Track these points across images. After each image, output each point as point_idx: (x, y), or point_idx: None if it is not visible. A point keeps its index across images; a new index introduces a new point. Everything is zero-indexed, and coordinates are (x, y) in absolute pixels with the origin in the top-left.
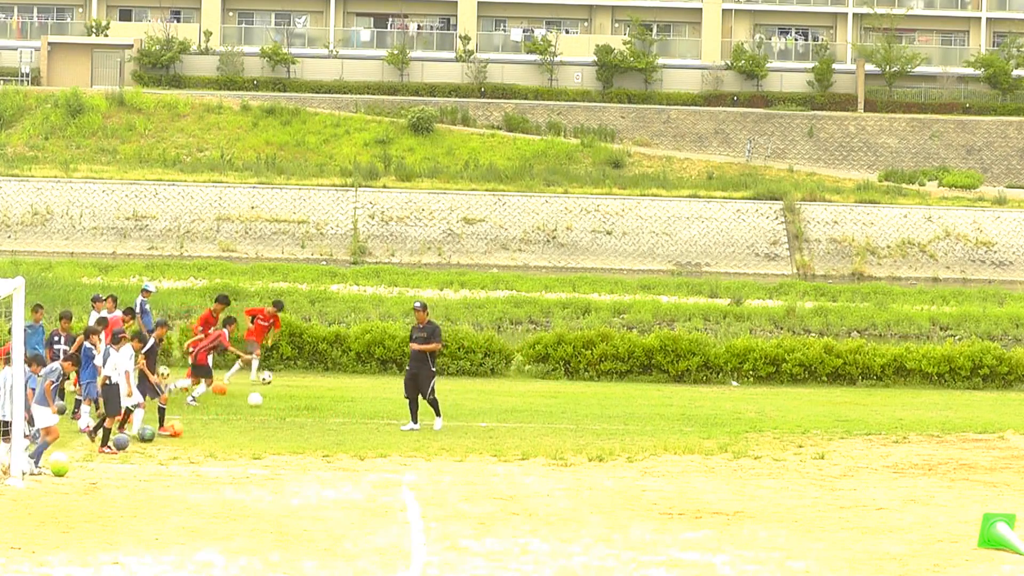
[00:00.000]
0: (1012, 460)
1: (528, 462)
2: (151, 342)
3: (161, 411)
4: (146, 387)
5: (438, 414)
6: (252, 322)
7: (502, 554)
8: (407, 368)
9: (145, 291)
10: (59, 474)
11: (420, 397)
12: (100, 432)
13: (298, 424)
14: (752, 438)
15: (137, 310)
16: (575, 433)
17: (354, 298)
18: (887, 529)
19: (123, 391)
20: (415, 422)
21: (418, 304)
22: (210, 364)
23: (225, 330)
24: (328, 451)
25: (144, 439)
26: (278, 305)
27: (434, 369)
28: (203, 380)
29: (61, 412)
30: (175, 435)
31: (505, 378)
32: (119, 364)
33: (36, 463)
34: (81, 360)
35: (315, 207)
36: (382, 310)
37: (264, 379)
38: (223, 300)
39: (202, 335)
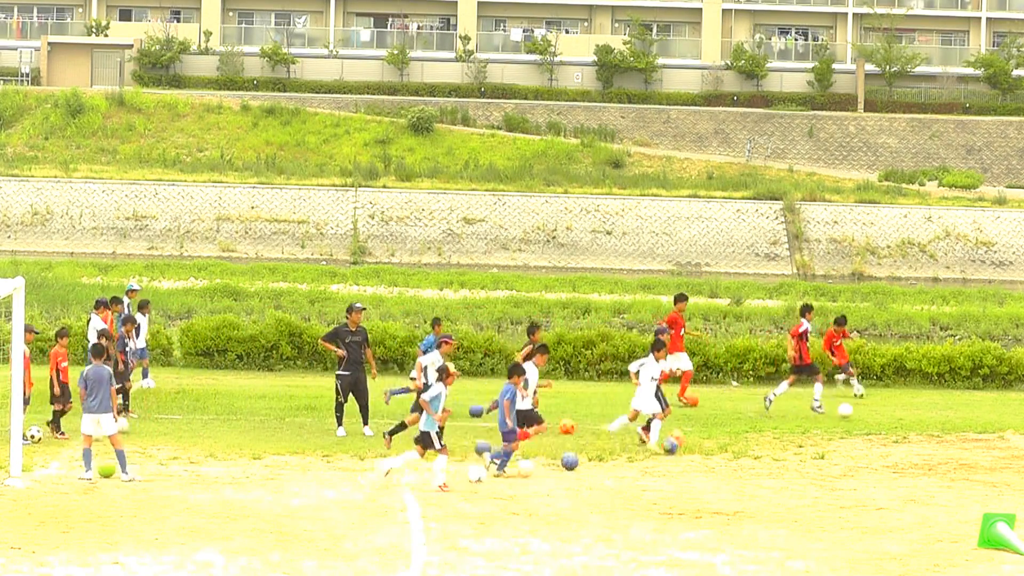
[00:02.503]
0: (1012, 460)
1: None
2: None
3: (653, 423)
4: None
5: (367, 420)
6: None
7: (502, 554)
8: (345, 373)
9: (131, 291)
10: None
11: (354, 399)
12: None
13: (298, 424)
14: (752, 438)
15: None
16: (575, 433)
17: (354, 298)
18: (887, 529)
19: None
20: (342, 426)
21: (358, 305)
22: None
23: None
24: (328, 451)
25: (668, 451)
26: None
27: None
28: (814, 377)
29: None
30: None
31: (505, 378)
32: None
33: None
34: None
35: (315, 207)
36: (382, 310)
37: (856, 392)
38: (683, 298)
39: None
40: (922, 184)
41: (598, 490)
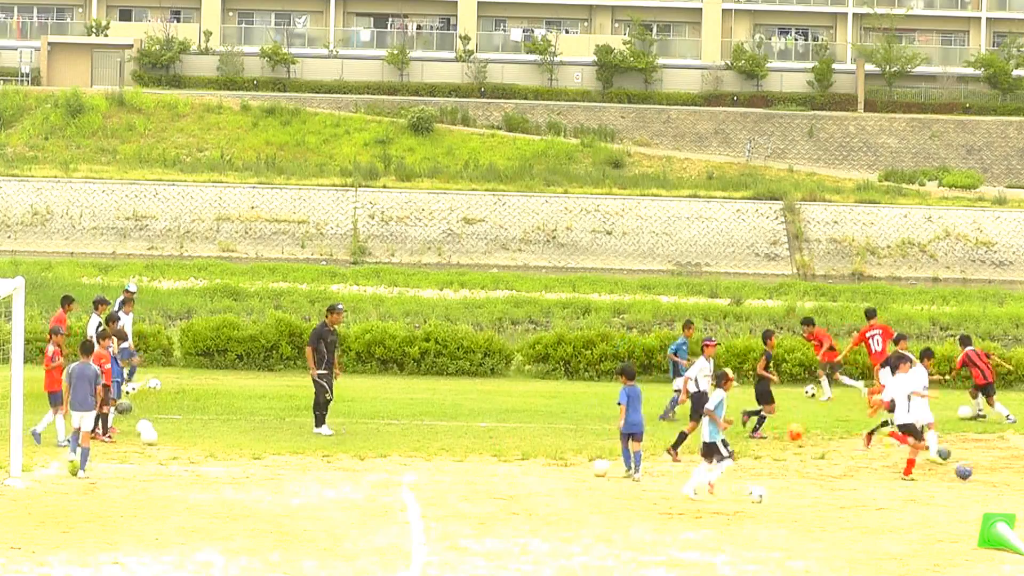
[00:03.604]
0: (1012, 460)
1: (528, 462)
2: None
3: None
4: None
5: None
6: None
7: (502, 554)
8: (325, 373)
9: (127, 292)
10: None
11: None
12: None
13: (298, 424)
14: (752, 438)
15: (116, 310)
16: (575, 433)
17: (354, 298)
18: (887, 529)
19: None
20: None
21: (340, 306)
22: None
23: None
24: (328, 451)
25: (945, 458)
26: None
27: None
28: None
29: (127, 411)
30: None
31: (505, 378)
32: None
33: None
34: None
35: (315, 207)
36: (382, 310)
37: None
38: (874, 314)
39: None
40: (922, 184)
41: (598, 490)
